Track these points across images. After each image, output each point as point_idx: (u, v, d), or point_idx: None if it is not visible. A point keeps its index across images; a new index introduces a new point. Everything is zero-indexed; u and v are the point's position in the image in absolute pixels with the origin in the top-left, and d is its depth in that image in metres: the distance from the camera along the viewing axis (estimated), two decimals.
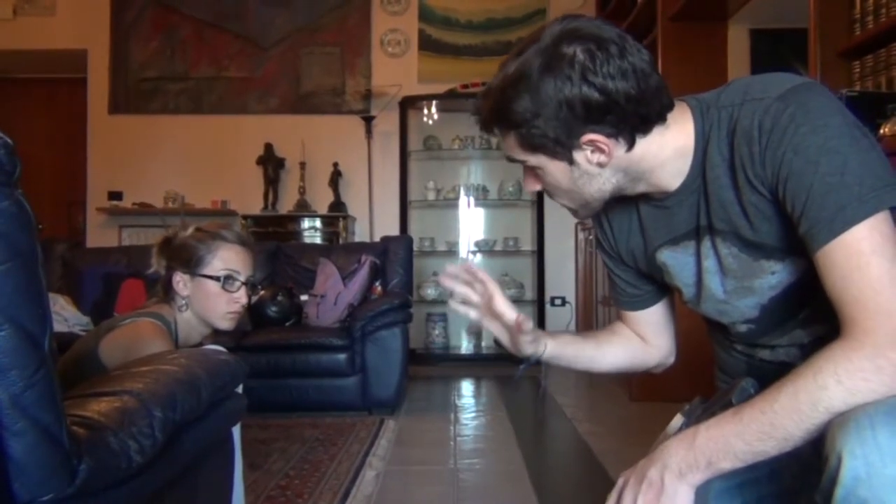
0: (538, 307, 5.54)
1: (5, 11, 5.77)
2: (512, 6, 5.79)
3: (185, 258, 1.80)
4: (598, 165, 1.03)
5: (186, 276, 1.80)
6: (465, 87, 5.36)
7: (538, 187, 1.11)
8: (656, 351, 1.33)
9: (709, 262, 1.09)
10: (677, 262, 1.14)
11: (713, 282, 1.10)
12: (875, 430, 0.78)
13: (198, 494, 1.40)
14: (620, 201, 1.16)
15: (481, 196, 5.66)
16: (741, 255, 1.04)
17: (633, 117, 0.98)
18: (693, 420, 1.02)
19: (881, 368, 0.83)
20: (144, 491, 1.09)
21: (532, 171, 1.09)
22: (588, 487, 2.52)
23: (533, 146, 1.02)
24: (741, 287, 1.07)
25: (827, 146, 0.89)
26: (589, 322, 5.21)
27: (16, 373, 0.83)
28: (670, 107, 1.02)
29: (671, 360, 1.35)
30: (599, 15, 5.54)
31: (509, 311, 1.21)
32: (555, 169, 1.04)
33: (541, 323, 5.51)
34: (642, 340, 1.33)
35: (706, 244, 1.08)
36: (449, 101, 5.55)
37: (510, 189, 5.61)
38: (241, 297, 1.82)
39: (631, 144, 1.00)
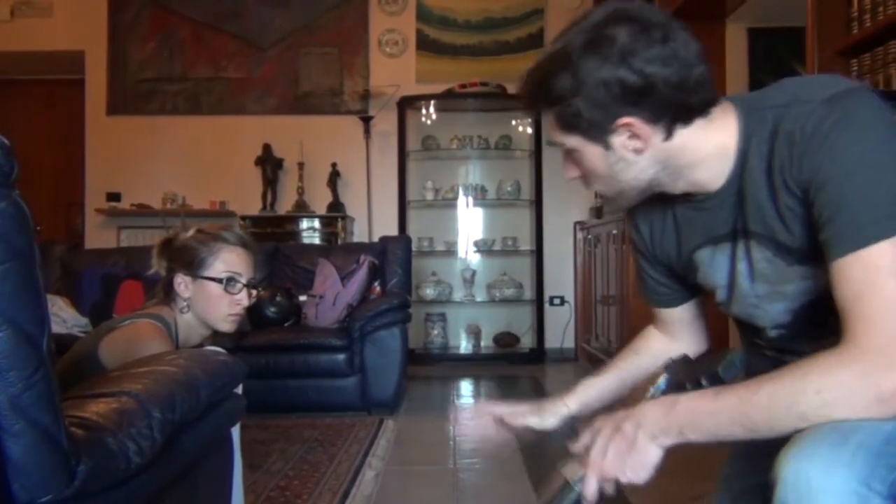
0: (537, 307, 5.54)
1: (3, 13, 5.77)
2: (509, 6, 5.79)
3: (187, 260, 1.80)
4: (634, 152, 1.01)
5: (188, 278, 1.80)
6: (464, 86, 5.36)
7: (576, 174, 1.10)
8: (685, 348, 1.29)
9: (742, 265, 1.08)
10: (713, 263, 1.12)
11: (745, 285, 1.09)
12: (811, 463, 0.79)
13: (197, 495, 1.40)
14: (656, 201, 1.15)
15: (480, 196, 5.66)
16: (776, 259, 1.02)
17: (673, 105, 0.96)
18: (676, 378, 1.04)
19: (865, 390, 0.81)
20: (143, 492, 1.09)
21: (571, 157, 1.07)
22: None
23: (570, 126, 1.01)
24: (773, 292, 1.06)
25: (866, 158, 0.87)
26: (588, 322, 5.21)
27: (14, 374, 0.83)
28: (713, 102, 1.00)
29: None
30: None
31: (518, 419, 1.28)
32: (591, 153, 1.03)
33: (540, 323, 5.52)
34: (669, 341, 1.33)
35: (741, 247, 1.07)
36: (447, 101, 5.55)
37: (509, 189, 5.62)
38: (243, 298, 1.83)
39: (669, 133, 0.99)
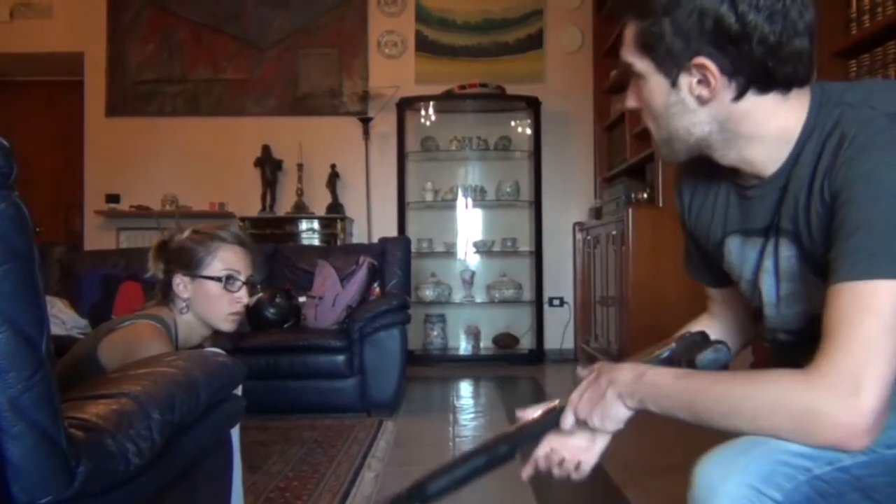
0: (536, 308, 5.54)
1: (2, 15, 5.76)
2: (508, 7, 5.79)
3: (185, 260, 1.80)
4: (697, 99, 0.96)
5: (186, 279, 1.79)
6: (463, 87, 5.37)
7: (635, 104, 1.04)
8: (726, 332, 1.25)
9: (768, 262, 1.05)
10: (742, 254, 1.10)
11: (767, 283, 1.06)
12: (715, 467, 0.84)
13: (197, 496, 1.40)
14: (706, 173, 1.11)
15: (479, 197, 5.66)
16: (799, 261, 1.00)
17: (756, 65, 0.91)
18: (677, 352, 1.05)
19: (809, 416, 0.81)
20: (143, 493, 1.09)
21: (636, 84, 1.02)
22: (587, 488, 2.52)
23: (647, 47, 0.96)
24: (796, 292, 1.03)
25: None
26: (587, 323, 5.21)
27: (14, 375, 0.83)
28: (800, 81, 0.94)
29: (737, 347, 1.27)
30: (597, 15, 5.55)
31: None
32: (656, 84, 0.98)
33: (539, 324, 5.53)
34: (711, 320, 1.28)
35: (771, 244, 1.04)
36: (446, 102, 5.56)
37: (508, 190, 5.62)
38: (243, 296, 1.83)
39: (740, 94, 0.94)
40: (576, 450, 1.08)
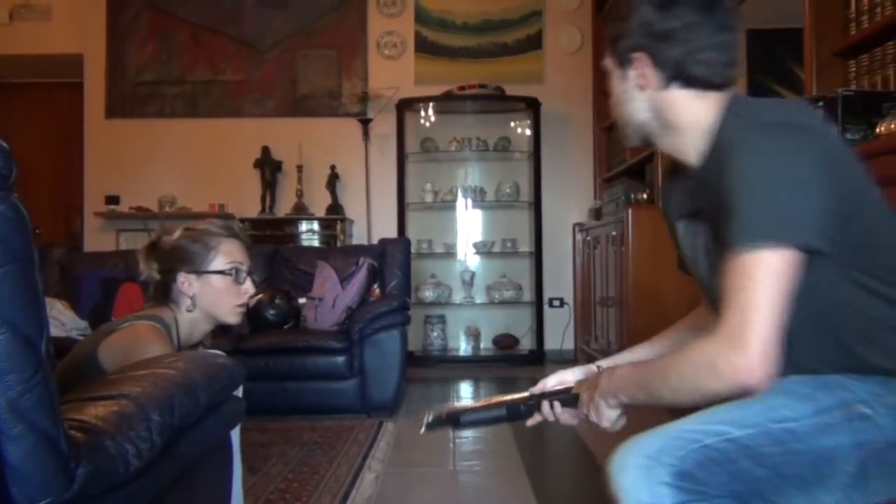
0: (536, 308, 5.54)
1: (1, 17, 5.77)
2: (507, 8, 5.79)
3: (188, 258, 1.80)
4: (638, 87, 1.18)
5: (192, 276, 1.79)
6: (462, 88, 5.37)
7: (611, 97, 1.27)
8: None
9: (700, 242, 1.23)
10: (685, 236, 1.28)
11: (701, 261, 1.24)
12: (625, 447, 1.02)
13: (196, 498, 1.40)
14: (676, 171, 1.29)
15: (479, 197, 5.66)
16: (716, 241, 1.15)
17: (676, 64, 1.14)
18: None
19: (714, 367, 0.99)
20: (143, 495, 1.09)
21: (609, 80, 1.25)
22: (587, 489, 2.52)
23: (612, 46, 1.22)
24: (720, 267, 1.14)
25: (763, 179, 1.01)
26: (587, 323, 5.21)
27: (13, 377, 0.83)
28: (715, 86, 1.15)
29: None
30: (596, 15, 5.56)
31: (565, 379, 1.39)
32: (615, 76, 1.22)
33: (539, 324, 5.52)
34: (709, 314, 1.34)
35: (700, 226, 1.21)
36: (446, 102, 5.56)
37: (507, 190, 5.62)
38: (249, 287, 1.85)
39: (665, 84, 1.16)
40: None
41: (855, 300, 1.08)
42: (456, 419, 1.33)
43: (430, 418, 1.34)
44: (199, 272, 1.79)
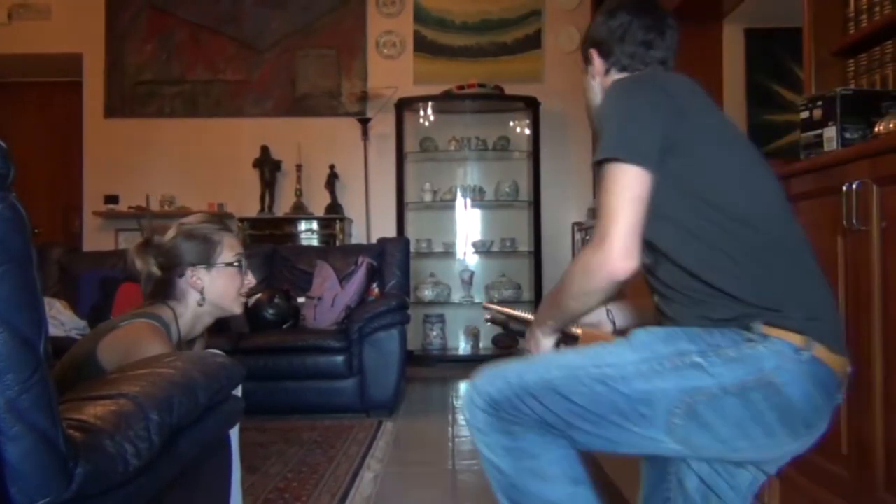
0: (536, 308, 5.52)
1: (0, 16, 5.76)
2: (506, 7, 5.79)
3: (197, 254, 1.83)
4: (592, 77, 1.52)
5: (200, 270, 1.82)
6: (461, 88, 5.36)
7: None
8: None
9: None
10: None
11: None
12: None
13: (195, 497, 1.40)
14: None
15: (478, 197, 5.66)
16: None
17: (612, 54, 1.48)
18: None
19: (584, 267, 1.23)
20: (142, 494, 1.09)
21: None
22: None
23: (583, 47, 1.55)
24: None
25: (614, 111, 1.29)
26: None
27: (11, 377, 0.82)
28: (634, 69, 1.46)
29: None
30: (595, 15, 5.55)
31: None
32: (584, 73, 1.55)
33: None
34: None
35: None
36: (445, 102, 5.55)
37: (507, 190, 5.62)
38: (251, 277, 1.94)
39: (607, 71, 1.50)
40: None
41: (696, 228, 1.24)
42: (506, 325, 1.62)
43: (490, 315, 1.65)
44: (210, 266, 1.84)
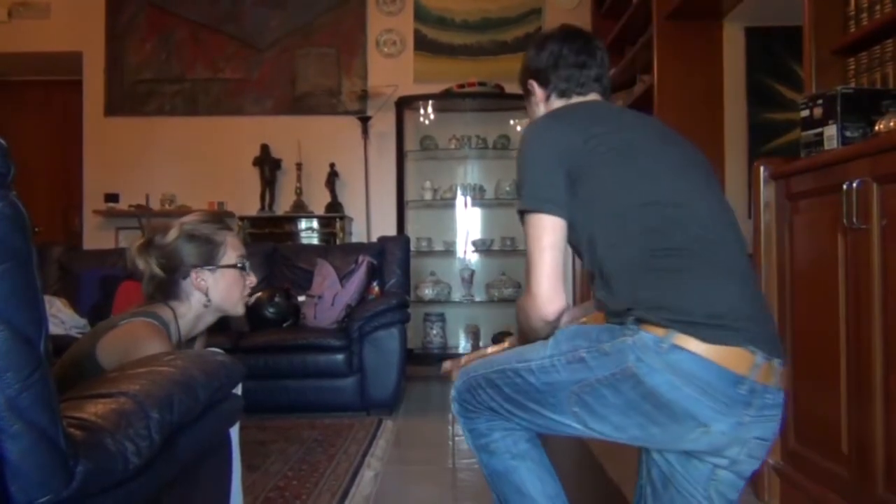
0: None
1: (0, 14, 5.76)
2: (507, 6, 5.79)
3: (201, 255, 1.83)
4: (536, 104, 1.67)
5: (206, 272, 1.82)
6: (461, 86, 5.36)
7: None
8: None
9: None
10: None
11: None
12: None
13: (196, 496, 1.40)
14: None
15: (478, 196, 5.66)
16: None
17: (550, 83, 1.63)
18: None
19: (525, 311, 1.44)
20: (142, 492, 1.09)
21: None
22: (587, 487, 2.52)
23: (521, 76, 1.71)
24: None
25: (524, 160, 1.46)
26: None
27: (11, 375, 0.82)
28: (575, 94, 1.62)
29: None
30: (595, 13, 5.55)
31: None
32: (526, 101, 1.72)
33: None
34: None
35: None
36: (445, 100, 5.55)
37: (507, 188, 5.62)
38: (253, 278, 1.94)
39: (548, 98, 1.65)
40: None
41: (599, 251, 1.37)
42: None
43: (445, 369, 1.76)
44: (214, 267, 1.83)
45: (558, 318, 1.40)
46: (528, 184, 1.42)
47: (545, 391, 1.34)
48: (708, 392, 1.24)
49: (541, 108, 1.65)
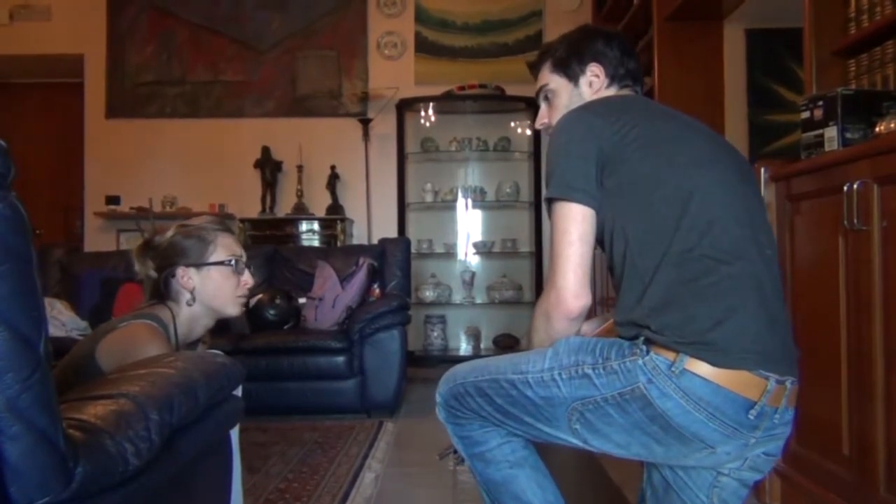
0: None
1: (2, 17, 5.77)
2: (507, 8, 5.79)
3: (187, 252, 1.81)
4: (590, 88, 1.54)
5: (191, 270, 1.80)
6: (462, 88, 5.37)
7: (546, 121, 1.59)
8: None
9: None
10: None
11: None
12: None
13: (195, 497, 1.40)
14: None
15: (479, 198, 5.66)
16: None
17: (614, 70, 1.54)
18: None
19: (546, 310, 1.34)
20: (141, 494, 1.08)
21: (547, 104, 1.60)
22: (588, 488, 2.52)
23: (558, 68, 1.57)
24: None
25: (554, 149, 1.38)
26: None
27: (11, 376, 0.82)
28: (628, 87, 1.56)
29: None
30: (596, 15, 5.56)
31: None
32: (563, 90, 1.56)
33: None
34: None
35: None
36: (446, 103, 5.56)
37: (508, 190, 5.62)
38: (248, 279, 1.88)
39: (609, 85, 1.55)
40: None
41: (622, 252, 1.31)
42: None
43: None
44: (199, 265, 1.81)
45: (581, 318, 1.33)
46: (558, 172, 1.34)
47: (542, 405, 1.30)
48: (717, 417, 1.21)
49: (585, 95, 1.53)
